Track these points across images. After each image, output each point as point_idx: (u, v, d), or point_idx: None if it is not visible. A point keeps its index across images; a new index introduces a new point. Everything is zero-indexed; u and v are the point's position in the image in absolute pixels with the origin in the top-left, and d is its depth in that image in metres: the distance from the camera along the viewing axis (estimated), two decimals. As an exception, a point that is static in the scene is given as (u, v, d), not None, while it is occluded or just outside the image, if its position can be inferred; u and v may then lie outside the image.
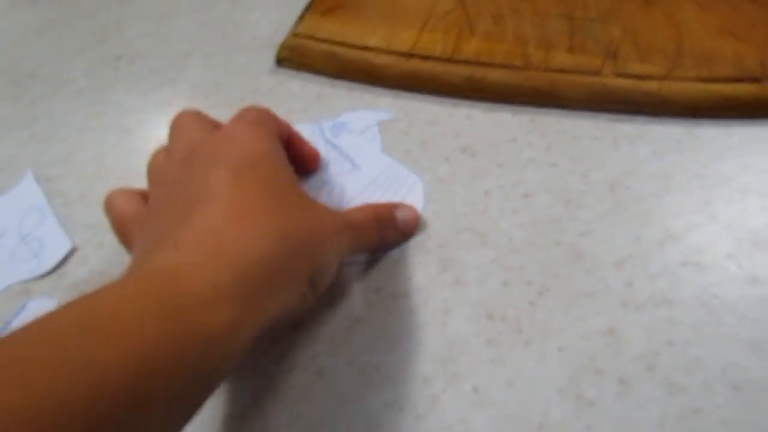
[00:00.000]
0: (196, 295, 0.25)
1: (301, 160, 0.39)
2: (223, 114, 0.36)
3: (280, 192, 0.30)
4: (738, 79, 0.38)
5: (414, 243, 0.36)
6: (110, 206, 0.34)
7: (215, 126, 0.35)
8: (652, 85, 0.39)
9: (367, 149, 0.40)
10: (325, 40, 0.46)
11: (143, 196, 0.34)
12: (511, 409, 0.29)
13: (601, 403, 0.28)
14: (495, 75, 0.42)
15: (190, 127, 0.34)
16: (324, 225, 0.31)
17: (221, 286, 0.25)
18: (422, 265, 0.35)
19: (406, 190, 0.38)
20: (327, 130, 0.42)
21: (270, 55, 0.48)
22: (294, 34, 0.47)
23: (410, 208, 0.37)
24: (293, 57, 0.47)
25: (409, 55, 0.43)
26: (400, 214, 0.36)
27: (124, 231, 0.33)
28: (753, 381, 0.28)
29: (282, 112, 0.37)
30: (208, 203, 0.28)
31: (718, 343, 0.29)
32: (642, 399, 0.28)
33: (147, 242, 0.29)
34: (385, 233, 0.35)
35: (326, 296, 0.35)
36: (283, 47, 0.47)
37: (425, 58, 0.43)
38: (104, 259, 0.39)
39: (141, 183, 0.35)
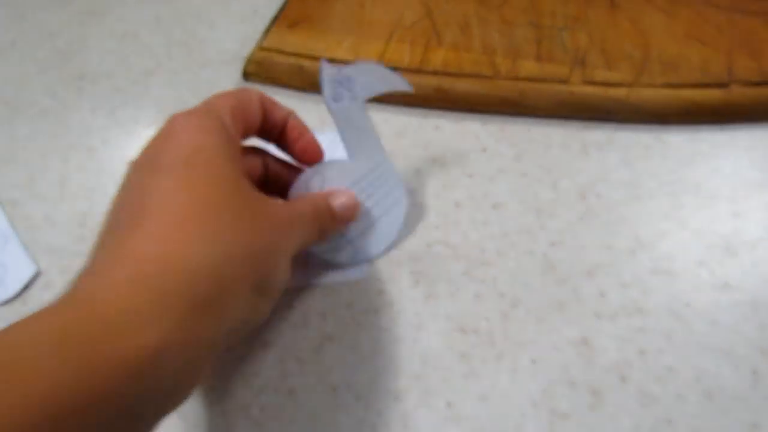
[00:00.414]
0: (114, 321, 0.23)
1: (297, 155, 0.36)
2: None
3: (221, 193, 0.28)
4: (705, 85, 0.39)
5: (385, 257, 0.36)
6: None
7: None
8: (620, 92, 0.39)
9: (366, 132, 0.37)
10: (291, 54, 0.45)
11: None
12: (485, 424, 0.29)
13: (575, 416, 0.28)
14: (463, 85, 0.41)
15: None
16: (271, 225, 0.29)
17: (144, 308, 0.24)
18: (394, 279, 0.35)
19: (390, 203, 0.37)
20: (327, 85, 0.35)
21: (236, 70, 0.47)
22: (260, 48, 0.46)
23: (346, 193, 0.35)
24: (260, 71, 0.46)
25: (377, 67, 0.43)
26: (336, 202, 0.34)
27: None
28: (726, 389, 0.28)
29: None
30: (139, 219, 0.26)
31: (690, 351, 0.29)
32: (615, 410, 0.28)
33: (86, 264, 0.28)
34: (323, 224, 0.33)
35: (297, 313, 0.34)
36: (250, 61, 0.46)
37: (393, 69, 0.43)
38: (69, 283, 0.38)
39: (106, 203, 0.34)
